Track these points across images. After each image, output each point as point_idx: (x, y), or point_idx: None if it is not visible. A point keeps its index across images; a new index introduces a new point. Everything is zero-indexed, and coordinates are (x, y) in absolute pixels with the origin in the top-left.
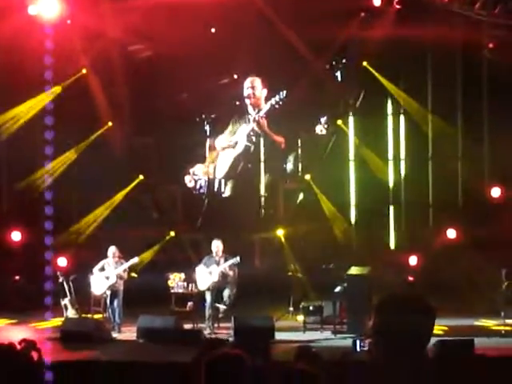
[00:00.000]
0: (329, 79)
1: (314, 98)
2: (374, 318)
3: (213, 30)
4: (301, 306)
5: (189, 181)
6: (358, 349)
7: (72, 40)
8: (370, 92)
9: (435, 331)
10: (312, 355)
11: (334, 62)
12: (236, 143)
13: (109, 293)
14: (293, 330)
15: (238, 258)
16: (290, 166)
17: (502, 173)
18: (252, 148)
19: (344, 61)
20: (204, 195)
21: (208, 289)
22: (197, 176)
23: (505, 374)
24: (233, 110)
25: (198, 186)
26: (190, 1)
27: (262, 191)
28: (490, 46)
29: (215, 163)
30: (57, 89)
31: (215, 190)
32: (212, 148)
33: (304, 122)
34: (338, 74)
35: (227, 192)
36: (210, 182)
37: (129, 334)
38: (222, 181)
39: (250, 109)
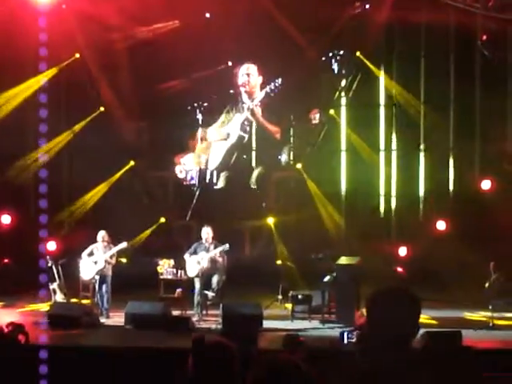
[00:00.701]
0: (324, 69)
1: (308, 87)
2: (366, 313)
3: (207, 15)
4: (289, 295)
5: (179, 171)
6: (346, 341)
7: (67, 25)
8: (363, 82)
9: (423, 321)
10: (297, 344)
11: (330, 54)
12: (229, 134)
13: (97, 278)
14: (281, 319)
15: (227, 245)
16: (284, 158)
17: (493, 165)
18: (246, 138)
19: (340, 52)
20: (195, 186)
21: (197, 275)
22: (187, 166)
23: (492, 367)
24: (226, 98)
25: (188, 177)
26: None
27: (254, 181)
28: (484, 38)
29: (208, 153)
30: (50, 72)
31: (207, 181)
32: (204, 138)
33: (297, 111)
34: (335, 65)
35: (220, 183)
36: (202, 173)
37: (117, 319)
38: (215, 172)
39: (245, 97)
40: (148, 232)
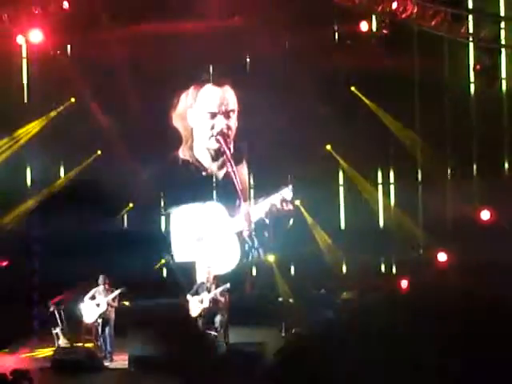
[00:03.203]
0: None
1: (305, 125)
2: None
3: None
4: (293, 332)
5: None
6: None
7: (61, 69)
8: (358, 118)
9: None
10: None
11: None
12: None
13: (100, 321)
14: None
15: (227, 285)
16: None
17: (492, 195)
18: None
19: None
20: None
21: (199, 315)
22: None
23: None
24: None
25: None
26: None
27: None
28: (477, 67)
29: None
30: (44, 119)
31: None
32: None
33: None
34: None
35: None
36: None
37: (121, 362)
38: None
39: None
40: (149, 273)
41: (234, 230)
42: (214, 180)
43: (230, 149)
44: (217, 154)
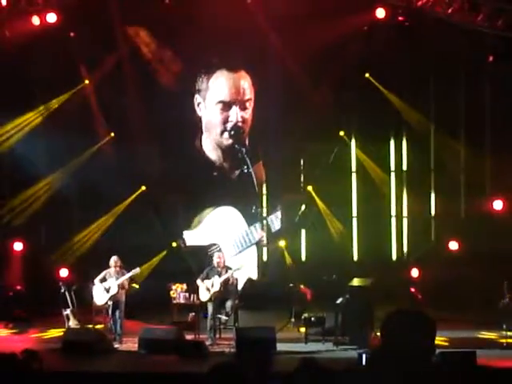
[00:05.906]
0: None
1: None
2: (381, 336)
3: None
4: (302, 318)
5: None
6: (364, 362)
7: (75, 51)
8: (372, 104)
9: (437, 342)
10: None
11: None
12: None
13: (110, 303)
14: (294, 342)
15: (238, 268)
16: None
17: (504, 186)
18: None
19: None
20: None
21: (210, 300)
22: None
23: None
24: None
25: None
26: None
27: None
28: (491, 58)
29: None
30: (60, 99)
31: None
32: None
33: (307, 138)
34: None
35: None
36: None
37: (130, 344)
38: None
39: None
40: (160, 257)
41: (253, 241)
42: (228, 181)
43: (245, 145)
44: (230, 152)
